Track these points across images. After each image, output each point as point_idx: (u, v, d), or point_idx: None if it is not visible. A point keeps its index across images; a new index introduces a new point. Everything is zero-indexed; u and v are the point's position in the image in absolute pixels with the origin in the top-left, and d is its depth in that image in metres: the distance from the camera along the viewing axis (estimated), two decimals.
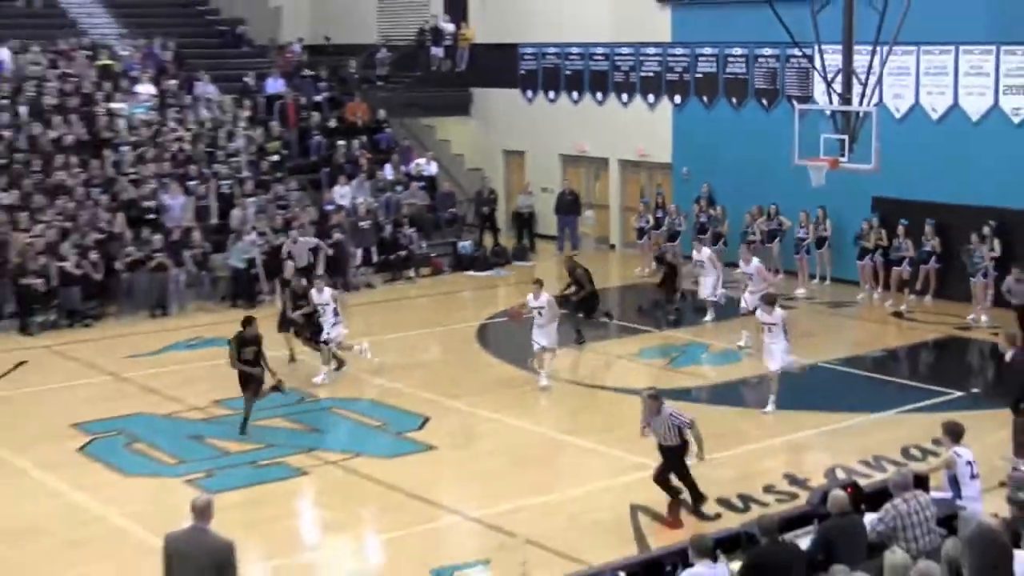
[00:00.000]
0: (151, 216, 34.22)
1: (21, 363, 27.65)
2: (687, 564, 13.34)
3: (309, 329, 26.68)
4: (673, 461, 18.22)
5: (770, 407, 23.22)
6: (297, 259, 30.45)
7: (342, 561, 18.00)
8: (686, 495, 18.38)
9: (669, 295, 31.51)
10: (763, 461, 21.06)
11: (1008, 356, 20.16)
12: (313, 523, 19.93)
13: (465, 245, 37.79)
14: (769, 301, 23.45)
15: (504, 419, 23.76)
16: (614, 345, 29.10)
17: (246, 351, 22.88)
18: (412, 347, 28.29)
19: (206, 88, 40.21)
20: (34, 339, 30.24)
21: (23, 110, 36.77)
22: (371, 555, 18.46)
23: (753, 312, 26.03)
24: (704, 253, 30.34)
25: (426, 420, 23.45)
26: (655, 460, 19.44)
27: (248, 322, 23.43)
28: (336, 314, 26.10)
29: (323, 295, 26.12)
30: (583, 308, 28.88)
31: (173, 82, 40.13)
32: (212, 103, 39.64)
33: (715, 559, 13.36)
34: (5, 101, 36.81)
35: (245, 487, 20.28)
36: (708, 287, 30.18)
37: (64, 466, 21.46)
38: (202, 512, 12.52)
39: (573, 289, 28.86)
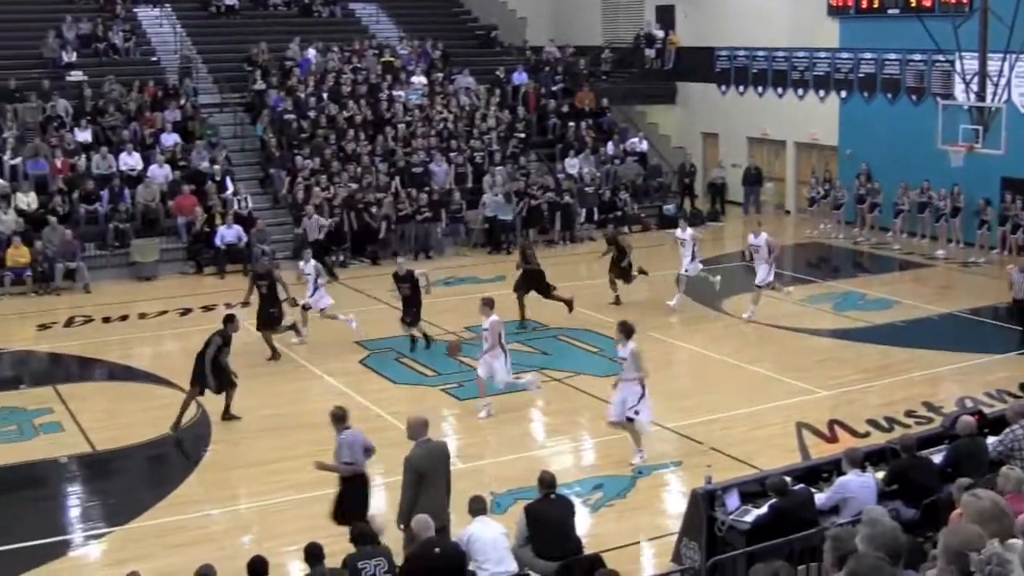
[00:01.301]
0: (420, 179, 34.71)
1: (229, 317, 28.17)
2: (841, 472, 13.18)
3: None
4: None
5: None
6: (309, 233, 30.21)
7: (563, 456, 18.10)
8: None
9: (622, 277, 27.15)
10: (906, 390, 20.64)
11: None
12: (540, 426, 20.05)
13: (669, 208, 37.55)
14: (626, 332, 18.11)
15: (694, 348, 23.65)
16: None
17: (224, 351, 19.62)
18: (623, 288, 28.18)
19: (465, 79, 40.50)
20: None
21: (324, 96, 37.52)
22: (585, 453, 18.53)
23: (771, 286, 25.44)
24: (761, 237, 25.68)
25: None
26: (823, 389, 19.27)
27: (230, 319, 19.89)
28: (317, 285, 24.47)
29: (308, 265, 24.68)
30: (623, 275, 27.05)
31: (440, 75, 40.53)
32: (470, 91, 39.88)
33: (864, 469, 13.18)
34: (311, 89, 37.59)
35: (488, 396, 20.50)
36: (762, 274, 25.48)
37: (349, 374, 21.94)
38: (421, 429, 13.28)
39: (614, 253, 27.04)
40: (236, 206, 32.40)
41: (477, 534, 12.01)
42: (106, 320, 26.64)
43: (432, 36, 42.94)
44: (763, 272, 25.37)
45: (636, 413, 17.25)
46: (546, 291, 25.82)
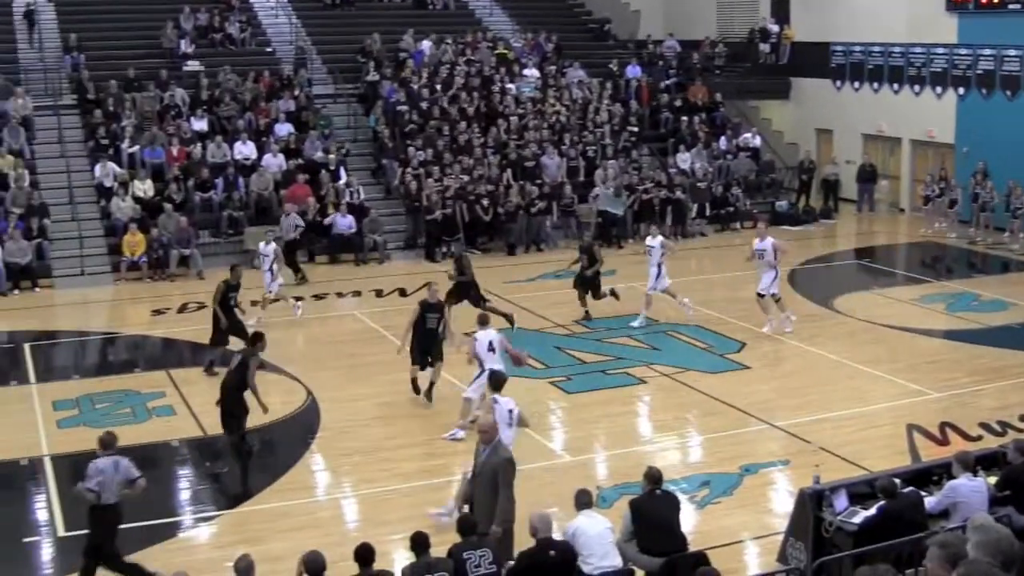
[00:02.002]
0: (532, 172, 34.74)
1: (427, 283, 28.39)
2: (951, 476, 12.99)
3: None
4: None
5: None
6: (285, 232, 29.70)
7: (670, 452, 18.03)
8: None
9: (590, 289, 25.59)
10: (1020, 394, 20.16)
11: None
12: (648, 421, 19.97)
13: (782, 204, 37.21)
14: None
15: (807, 348, 23.38)
16: (901, 291, 28.31)
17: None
18: (734, 285, 27.96)
19: (578, 72, 40.47)
20: (436, 264, 31.02)
21: (438, 88, 37.70)
22: (692, 449, 18.43)
23: (773, 297, 24.31)
24: (767, 242, 24.13)
25: (743, 345, 23.26)
26: (935, 390, 18.98)
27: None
28: (272, 268, 25.19)
29: (268, 247, 25.45)
30: (591, 287, 25.44)
31: (553, 67, 40.53)
32: (583, 84, 39.85)
33: (975, 473, 12.98)
34: (424, 81, 37.80)
35: (596, 390, 20.55)
36: (765, 281, 24.10)
37: (456, 364, 21.98)
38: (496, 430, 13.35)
39: (584, 263, 25.44)
40: (349, 196, 32.70)
41: (583, 528, 12.01)
42: None
43: (545, 29, 42.99)
44: (767, 279, 24.19)
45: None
46: (477, 302, 24.08)
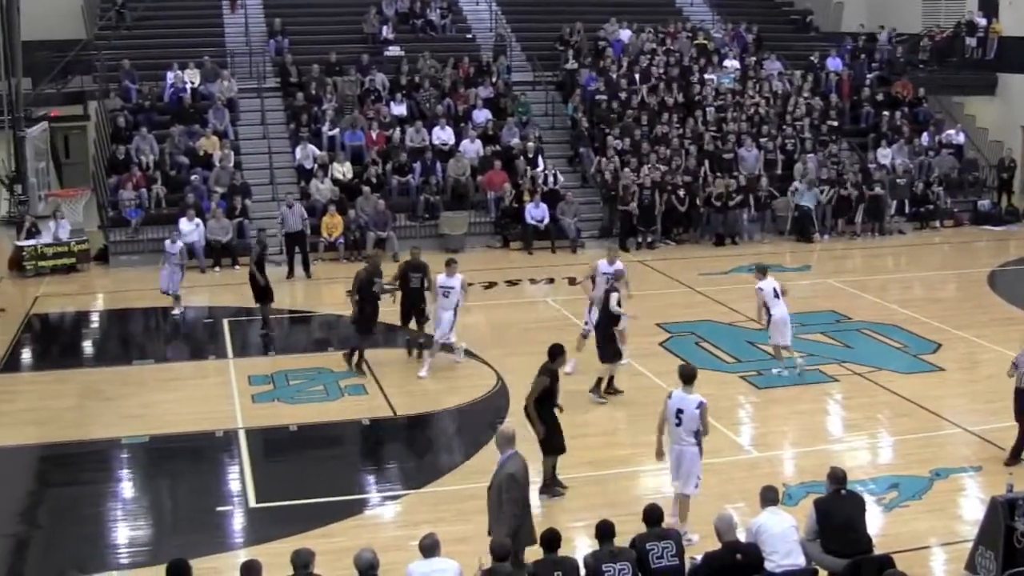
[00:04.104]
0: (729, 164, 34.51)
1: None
2: None
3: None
4: None
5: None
6: (291, 224, 29.46)
7: (859, 452, 17.77)
8: None
9: None
10: None
11: None
12: (838, 420, 19.68)
13: (984, 203, 36.24)
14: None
15: (1004, 351, 22.69)
16: None
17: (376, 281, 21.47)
18: (932, 284, 27.45)
19: (777, 64, 40.02)
20: (630, 255, 31.02)
21: (636, 77, 37.67)
22: (882, 450, 18.12)
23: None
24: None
25: (938, 346, 22.77)
26: None
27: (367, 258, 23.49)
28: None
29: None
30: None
31: (753, 59, 40.16)
32: (783, 76, 39.41)
33: None
34: (623, 70, 37.82)
35: (787, 386, 20.35)
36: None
37: (648, 355, 22.02)
38: (511, 441, 12.86)
39: None
40: (545, 184, 32.91)
41: (766, 525, 11.97)
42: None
43: (746, 19, 42.64)
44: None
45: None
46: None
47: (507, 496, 12.47)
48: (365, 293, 21.18)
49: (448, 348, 21.51)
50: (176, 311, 25.84)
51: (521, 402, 16.13)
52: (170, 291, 25.66)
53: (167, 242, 25.87)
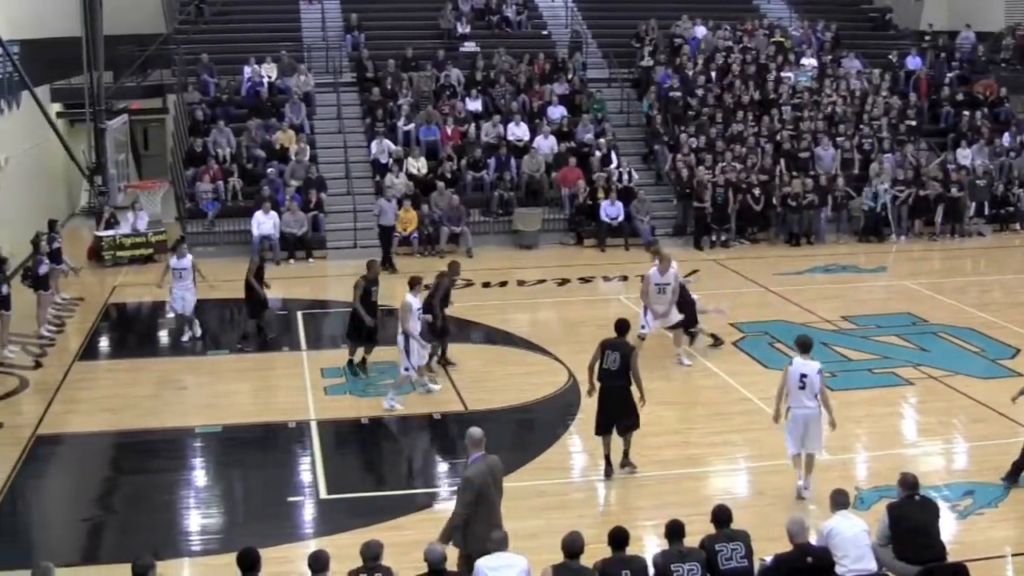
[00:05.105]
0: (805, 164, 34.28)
1: (694, 271, 28.39)
2: None
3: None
4: None
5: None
6: (389, 217, 29.86)
7: (934, 457, 17.58)
8: None
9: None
10: None
11: None
12: (912, 424, 19.48)
13: None
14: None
15: None
16: None
17: (373, 291, 21.01)
18: (1011, 288, 27.09)
19: (855, 63, 39.66)
20: (704, 253, 31.04)
21: (712, 74, 37.52)
22: (957, 456, 17.90)
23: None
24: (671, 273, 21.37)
25: (1017, 351, 22.41)
26: None
27: (369, 266, 21.46)
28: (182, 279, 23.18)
29: (183, 260, 23.01)
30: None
31: (830, 57, 39.83)
32: (861, 75, 39.05)
33: None
34: (699, 67, 37.67)
35: (861, 389, 20.16)
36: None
37: (721, 355, 21.93)
38: (479, 444, 12.61)
39: None
40: (619, 181, 32.84)
41: (838, 528, 11.88)
42: (486, 285, 27.57)
43: (824, 17, 42.29)
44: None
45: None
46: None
47: (457, 498, 12.55)
48: (366, 302, 20.80)
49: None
50: (186, 336, 23.43)
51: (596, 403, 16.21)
52: (185, 312, 23.27)
53: (173, 258, 23.47)
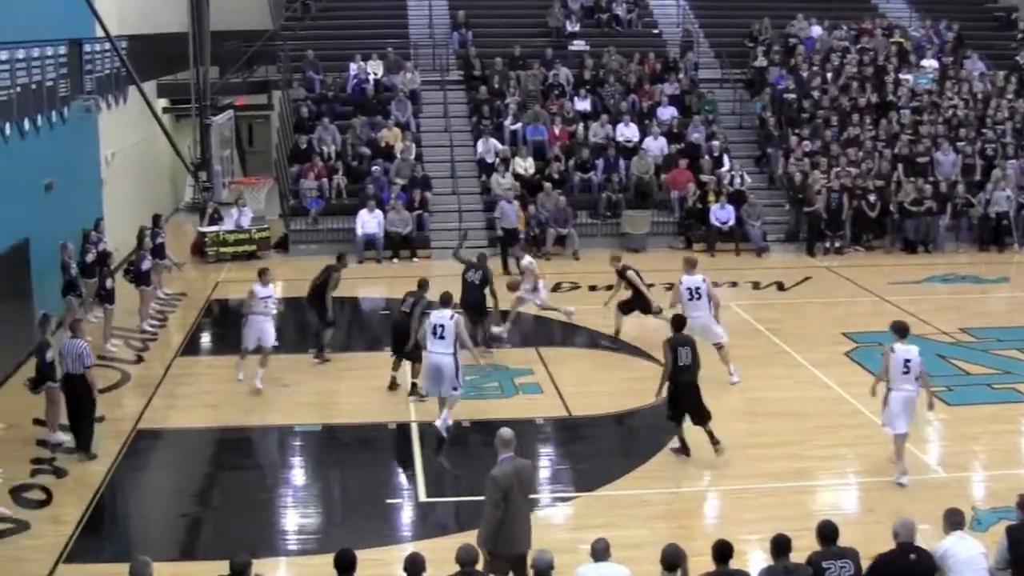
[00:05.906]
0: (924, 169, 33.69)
1: (806, 279, 28.03)
2: None
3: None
4: None
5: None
6: (511, 220, 29.89)
7: None
8: None
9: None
10: None
11: None
12: None
13: None
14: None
15: None
16: None
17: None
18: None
19: (978, 64, 38.95)
20: (817, 260, 30.69)
21: (828, 76, 37.08)
22: None
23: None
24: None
25: None
26: None
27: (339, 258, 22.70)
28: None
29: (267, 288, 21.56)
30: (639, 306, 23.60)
31: (951, 59, 39.17)
32: (984, 77, 38.34)
33: None
34: (815, 68, 37.26)
35: (979, 404, 19.76)
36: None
37: (833, 365, 21.65)
38: (508, 444, 12.61)
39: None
40: (730, 184, 32.57)
41: (952, 550, 11.57)
42: (592, 288, 27.44)
43: (946, 17, 41.60)
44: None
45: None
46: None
47: (485, 499, 12.45)
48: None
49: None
50: (258, 382, 20.50)
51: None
52: (265, 345, 20.86)
53: (256, 286, 20.98)
